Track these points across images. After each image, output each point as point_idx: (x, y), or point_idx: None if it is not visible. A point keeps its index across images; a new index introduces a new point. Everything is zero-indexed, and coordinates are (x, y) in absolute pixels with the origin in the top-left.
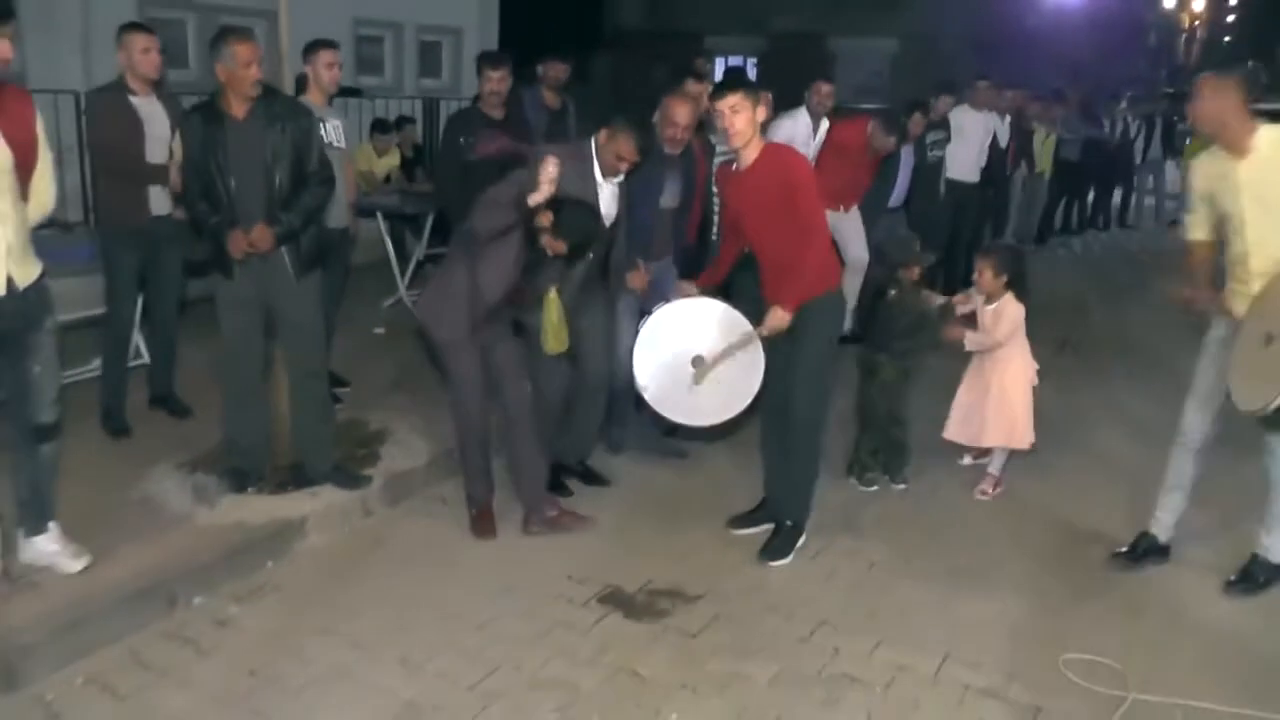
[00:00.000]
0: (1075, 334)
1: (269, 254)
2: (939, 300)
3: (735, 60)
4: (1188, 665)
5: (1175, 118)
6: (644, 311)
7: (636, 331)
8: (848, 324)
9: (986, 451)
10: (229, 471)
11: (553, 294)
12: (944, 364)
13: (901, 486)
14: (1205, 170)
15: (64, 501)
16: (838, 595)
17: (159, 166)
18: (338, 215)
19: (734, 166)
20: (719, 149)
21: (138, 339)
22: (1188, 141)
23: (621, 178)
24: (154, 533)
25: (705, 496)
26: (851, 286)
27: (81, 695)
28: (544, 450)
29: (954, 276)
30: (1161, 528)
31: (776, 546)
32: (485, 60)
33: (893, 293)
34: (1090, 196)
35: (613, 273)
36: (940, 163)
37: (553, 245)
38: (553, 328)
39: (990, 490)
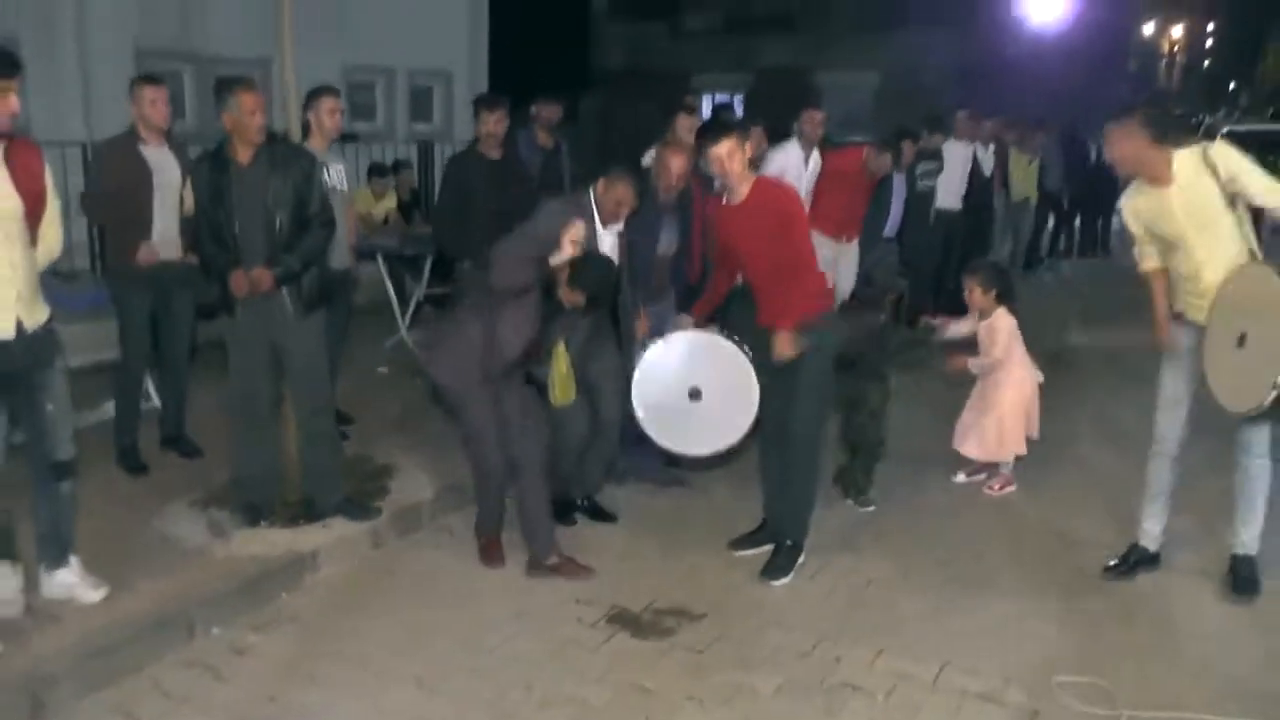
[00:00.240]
0: (1064, 354)
1: (270, 294)
2: (933, 323)
3: (722, 97)
4: (1178, 674)
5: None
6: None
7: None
8: None
9: (981, 469)
10: (242, 506)
11: (560, 347)
12: (933, 384)
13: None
14: (1138, 207)
15: (84, 537)
16: (838, 610)
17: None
18: (340, 256)
19: (725, 200)
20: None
21: (149, 383)
22: None
23: (621, 225)
24: (171, 566)
25: (706, 521)
26: None
27: None
28: (549, 500)
29: (944, 301)
30: (1150, 538)
31: (777, 565)
32: (482, 103)
33: (883, 316)
34: (1077, 222)
35: (622, 318)
36: (930, 193)
37: (570, 298)
38: (560, 379)
39: (997, 488)
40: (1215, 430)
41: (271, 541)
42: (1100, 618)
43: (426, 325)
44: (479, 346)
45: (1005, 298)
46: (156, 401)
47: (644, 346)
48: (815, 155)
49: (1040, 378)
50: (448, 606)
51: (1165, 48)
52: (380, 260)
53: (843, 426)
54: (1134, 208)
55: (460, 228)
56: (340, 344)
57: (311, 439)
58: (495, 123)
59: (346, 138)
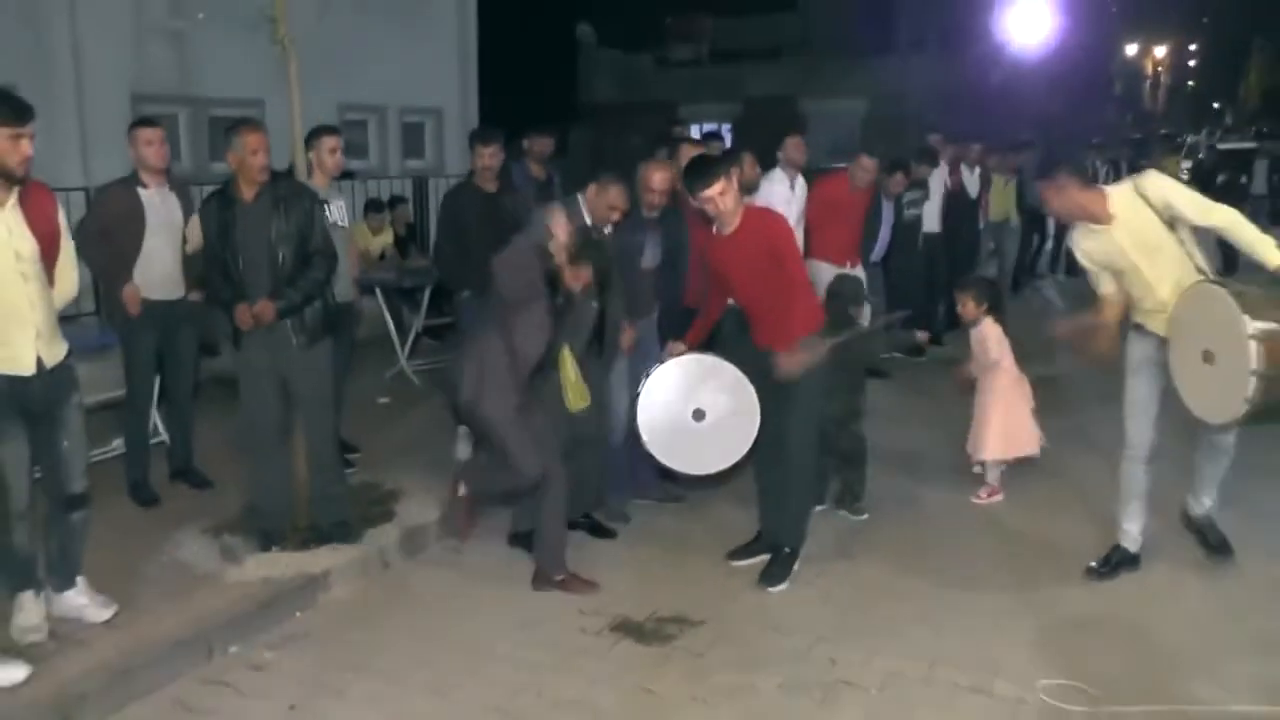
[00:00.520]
0: (1049, 367)
1: (274, 326)
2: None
3: (710, 127)
4: (1160, 664)
5: (1142, 161)
6: (633, 373)
7: (630, 393)
8: None
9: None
10: (255, 531)
11: (565, 352)
12: (923, 397)
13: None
14: (1089, 249)
15: (101, 567)
16: (834, 613)
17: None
18: (343, 290)
19: (716, 229)
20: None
21: (156, 418)
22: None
23: (610, 229)
24: (188, 590)
25: (704, 535)
26: None
27: None
28: (564, 518)
29: (933, 322)
30: (1129, 539)
31: (774, 572)
32: (477, 137)
33: (858, 329)
34: (1066, 241)
35: (608, 328)
36: (917, 220)
37: (577, 278)
38: (571, 384)
39: (985, 496)
40: (1188, 434)
41: (283, 564)
42: (1084, 614)
43: (428, 356)
44: (505, 364)
45: (994, 310)
46: (165, 436)
47: (647, 375)
48: (800, 180)
49: (1027, 386)
50: (457, 619)
51: (1149, 68)
52: (379, 294)
53: (835, 438)
54: (1085, 250)
55: (459, 259)
56: (344, 375)
57: (315, 467)
58: (490, 156)
59: (345, 175)
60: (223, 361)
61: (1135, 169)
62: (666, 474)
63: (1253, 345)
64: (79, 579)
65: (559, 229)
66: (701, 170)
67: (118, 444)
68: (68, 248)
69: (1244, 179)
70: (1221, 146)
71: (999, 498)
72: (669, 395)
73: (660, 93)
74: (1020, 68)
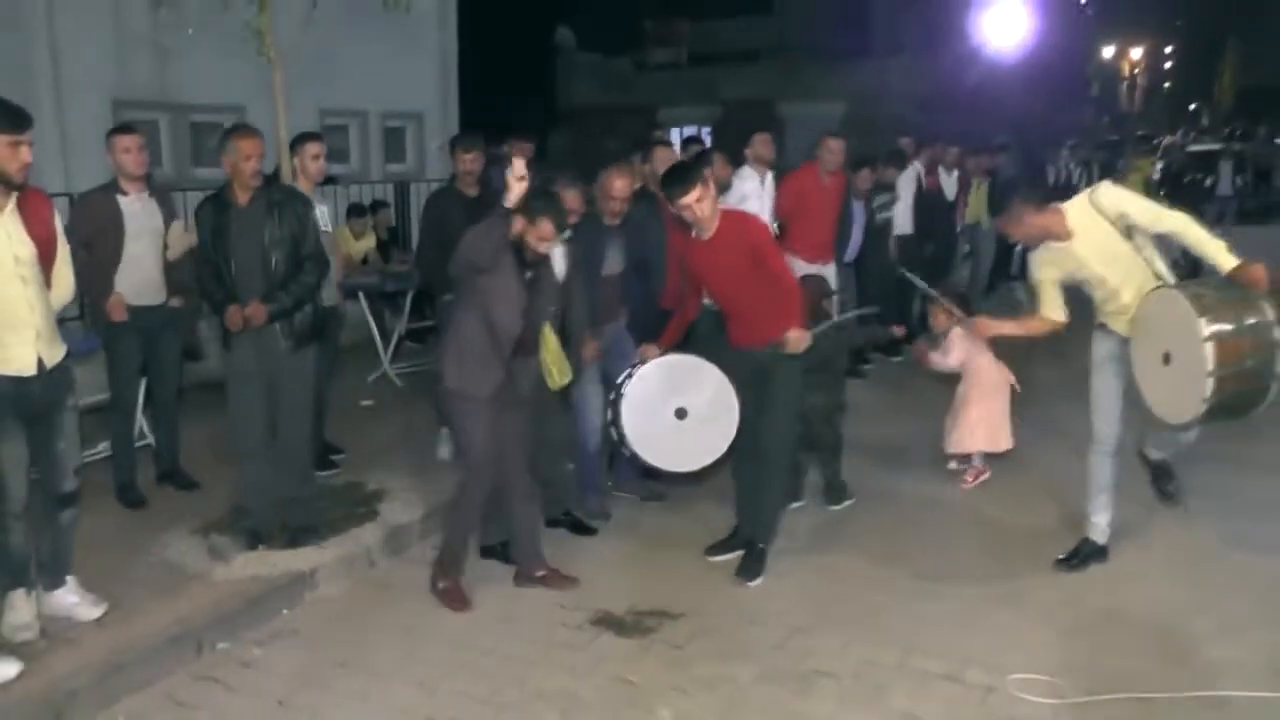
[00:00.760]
0: (1024, 366)
1: (264, 329)
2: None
3: (689, 130)
4: (1127, 651)
5: (1119, 162)
6: (606, 376)
7: (605, 396)
8: None
9: (966, 458)
10: (242, 531)
11: (547, 328)
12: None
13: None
14: (1049, 260)
15: (91, 567)
16: (809, 605)
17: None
18: (329, 294)
19: (694, 234)
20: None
21: (142, 421)
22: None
23: (568, 234)
24: (177, 589)
25: (683, 531)
26: None
27: None
28: (540, 514)
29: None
30: (1098, 531)
31: (750, 566)
32: (459, 142)
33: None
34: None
35: (573, 334)
36: (888, 224)
37: (540, 233)
38: (554, 359)
39: (971, 480)
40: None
41: (270, 563)
42: (1054, 603)
43: (411, 359)
44: (485, 341)
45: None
46: (151, 439)
47: (629, 375)
48: (770, 177)
49: (1013, 378)
50: (441, 615)
51: (1125, 70)
52: (362, 298)
53: (821, 432)
54: (1048, 261)
55: (441, 263)
56: (328, 378)
57: (289, 470)
58: (472, 161)
59: (328, 180)
60: (206, 366)
61: (1109, 170)
62: (649, 472)
63: (1208, 347)
64: (69, 578)
65: (514, 180)
66: (678, 177)
67: (104, 447)
68: (64, 252)
69: (1207, 180)
70: (1191, 149)
71: (986, 476)
72: (651, 394)
73: (640, 96)
74: (997, 70)
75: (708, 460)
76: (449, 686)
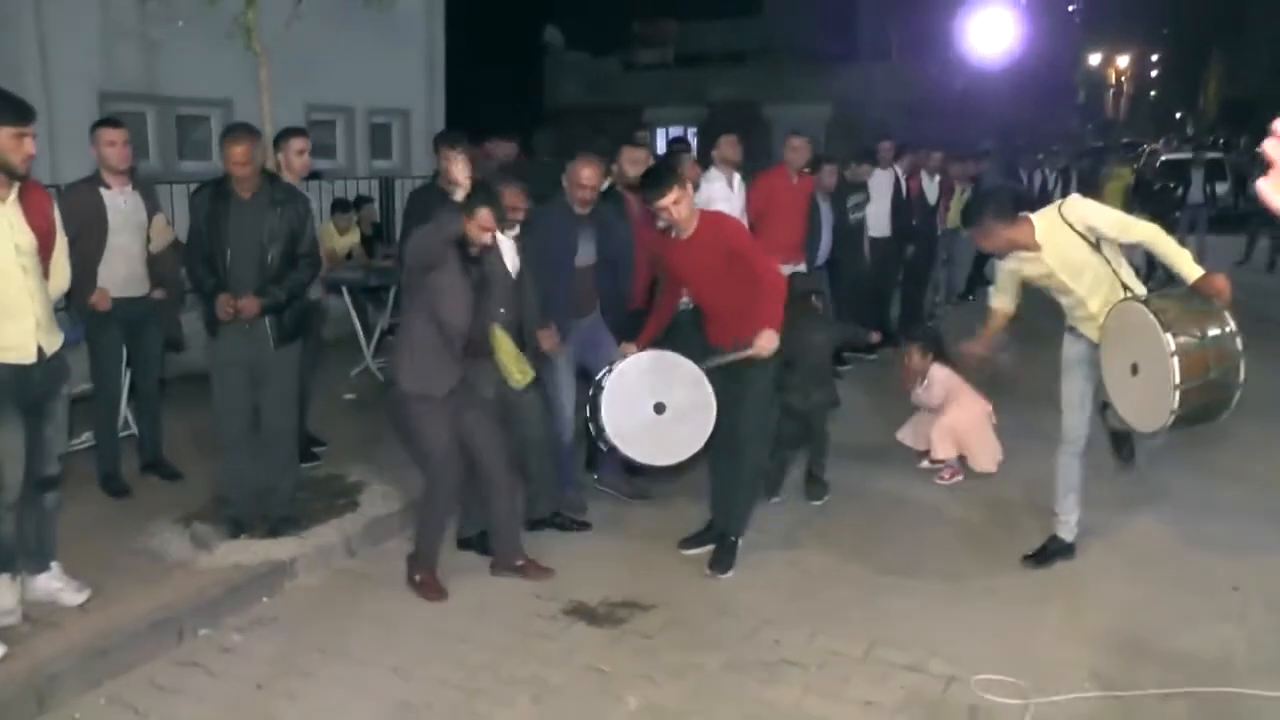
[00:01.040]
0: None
1: (254, 322)
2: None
3: (676, 130)
4: (1091, 644)
5: (1101, 169)
6: (584, 368)
7: (583, 388)
8: None
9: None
10: (225, 519)
11: (497, 330)
12: (870, 395)
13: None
14: (1014, 268)
15: (76, 555)
16: (779, 598)
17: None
18: (312, 289)
19: (673, 234)
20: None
21: (126, 412)
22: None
23: (518, 230)
24: (159, 576)
25: (659, 525)
26: None
27: (105, 713)
28: (517, 506)
29: (886, 326)
30: (1066, 529)
31: (722, 559)
32: (442, 140)
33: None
34: None
35: (527, 326)
36: (861, 224)
37: (480, 222)
38: (511, 359)
39: (948, 477)
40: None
41: (252, 552)
42: (1019, 599)
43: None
44: (434, 339)
45: (940, 358)
46: (134, 429)
47: (608, 370)
48: (738, 178)
49: (990, 408)
50: (418, 605)
51: (1112, 78)
52: (345, 292)
53: (815, 429)
54: (1014, 268)
55: None
56: (311, 372)
57: (271, 461)
58: (454, 158)
59: (312, 176)
60: (189, 357)
61: (1089, 178)
62: (633, 469)
63: (1174, 361)
64: (54, 563)
65: (457, 174)
66: (655, 180)
67: (87, 437)
68: (61, 243)
69: (1177, 188)
70: (1165, 158)
71: (960, 479)
72: (630, 389)
73: (627, 96)
74: (983, 75)
75: (685, 455)
76: (424, 673)
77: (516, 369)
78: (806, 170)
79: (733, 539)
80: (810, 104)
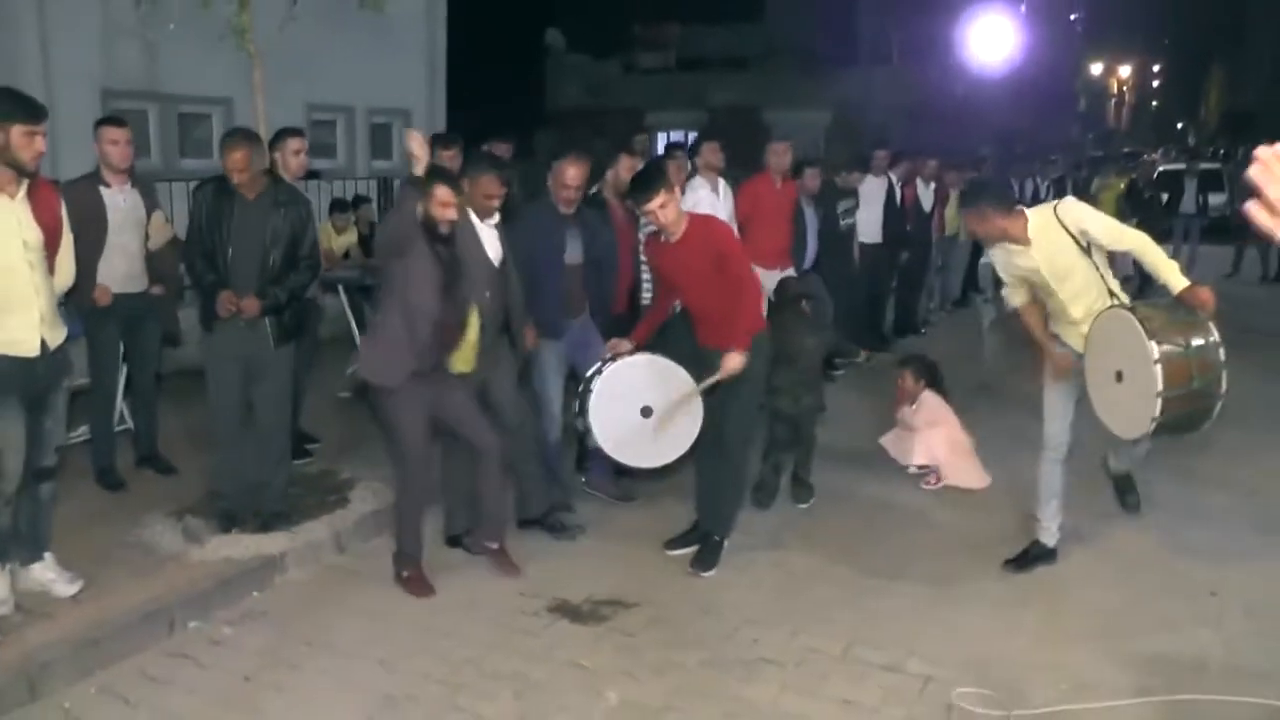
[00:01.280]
0: (990, 378)
1: (254, 322)
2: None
3: (676, 135)
4: (1072, 648)
5: (1096, 179)
6: (573, 368)
7: (572, 389)
8: None
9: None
10: (218, 513)
11: (474, 315)
12: (857, 400)
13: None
14: (1006, 261)
15: (70, 547)
16: (761, 598)
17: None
18: (310, 287)
19: (662, 238)
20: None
21: (122, 406)
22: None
23: (497, 218)
24: (151, 569)
25: (645, 525)
26: None
27: (96, 702)
28: (505, 489)
29: (873, 333)
30: (1048, 534)
31: (705, 559)
32: (438, 141)
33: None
34: None
35: (512, 320)
36: (852, 230)
37: (441, 199)
38: (469, 345)
39: (933, 482)
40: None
41: (243, 546)
42: (999, 602)
43: None
44: (402, 329)
45: (932, 385)
46: (130, 424)
47: (598, 373)
48: (723, 184)
49: (970, 442)
50: (406, 600)
51: (1114, 87)
52: (341, 291)
53: (804, 432)
54: (1005, 262)
55: None
56: (307, 369)
57: (265, 458)
58: (450, 159)
59: (310, 175)
60: (185, 353)
61: (1084, 188)
62: (620, 470)
63: (1158, 369)
64: (47, 554)
65: (415, 150)
66: (643, 184)
67: (83, 430)
68: (67, 240)
69: (1167, 198)
70: (1162, 168)
71: (945, 483)
72: (619, 391)
73: (627, 99)
74: (984, 82)
75: (671, 457)
76: (409, 666)
77: (462, 359)
78: (789, 174)
79: (717, 538)
80: (811, 109)
